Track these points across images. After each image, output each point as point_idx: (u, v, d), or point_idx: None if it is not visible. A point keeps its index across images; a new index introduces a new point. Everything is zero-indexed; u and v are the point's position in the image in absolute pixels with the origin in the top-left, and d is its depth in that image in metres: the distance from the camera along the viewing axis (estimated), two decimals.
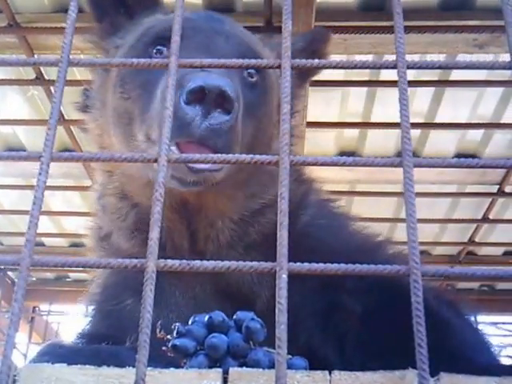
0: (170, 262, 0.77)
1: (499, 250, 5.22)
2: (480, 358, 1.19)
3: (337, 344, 1.34)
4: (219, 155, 0.85)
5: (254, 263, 0.79)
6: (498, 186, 4.35)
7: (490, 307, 5.72)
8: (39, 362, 1.07)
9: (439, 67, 0.90)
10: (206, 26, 1.57)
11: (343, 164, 0.84)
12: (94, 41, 1.80)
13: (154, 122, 1.37)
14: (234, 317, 1.07)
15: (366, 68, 0.91)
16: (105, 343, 1.32)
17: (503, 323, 6.13)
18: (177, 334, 1.05)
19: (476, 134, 4.11)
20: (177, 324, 1.06)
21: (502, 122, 3.88)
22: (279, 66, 0.89)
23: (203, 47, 1.47)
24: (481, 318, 5.86)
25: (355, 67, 0.94)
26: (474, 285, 5.78)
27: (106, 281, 1.65)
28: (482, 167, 0.81)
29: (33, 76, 3.68)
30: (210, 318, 1.07)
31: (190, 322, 1.09)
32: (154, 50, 1.53)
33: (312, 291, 1.41)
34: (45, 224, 4.92)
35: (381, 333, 1.26)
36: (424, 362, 0.70)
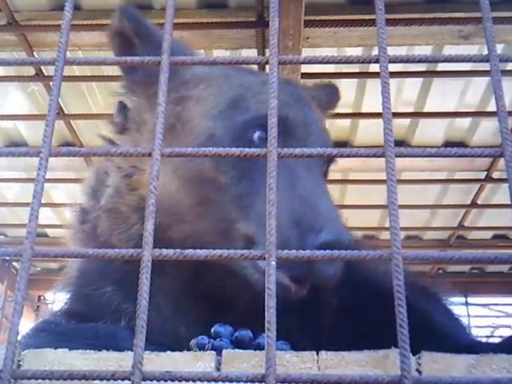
0: (164, 251, 0.81)
1: (488, 234, 5.31)
2: (457, 339, 1.24)
3: (314, 337, 1.39)
4: (207, 149, 0.89)
5: (245, 251, 0.83)
6: (485, 173, 4.43)
7: (480, 289, 5.83)
8: (35, 338, 1.11)
9: (419, 61, 0.93)
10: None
11: (329, 155, 0.89)
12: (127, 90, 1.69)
13: (255, 226, 1.36)
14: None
15: (350, 63, 0.95)
16: (82, 320, 1.37)
17: (495, 304, 6.22)
18: None
19: (464, 122, 4.17)
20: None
21: (488, 110, 3.93)
22: (267, 62, 0.93)
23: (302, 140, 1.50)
24: (473, 299, 5.96)
25: (340, 62, 0.98)
26: (465, 268, 5.88)
27: (85, 267, 1.66)
28: (459, 156, 0.85)
29: (32, 72, 3.72)
30: None
31: None
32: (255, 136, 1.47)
33: None
34: (48, 215, 4.95)
35: (355, 323, 1.33)
36: (405, 341, 0.74)
